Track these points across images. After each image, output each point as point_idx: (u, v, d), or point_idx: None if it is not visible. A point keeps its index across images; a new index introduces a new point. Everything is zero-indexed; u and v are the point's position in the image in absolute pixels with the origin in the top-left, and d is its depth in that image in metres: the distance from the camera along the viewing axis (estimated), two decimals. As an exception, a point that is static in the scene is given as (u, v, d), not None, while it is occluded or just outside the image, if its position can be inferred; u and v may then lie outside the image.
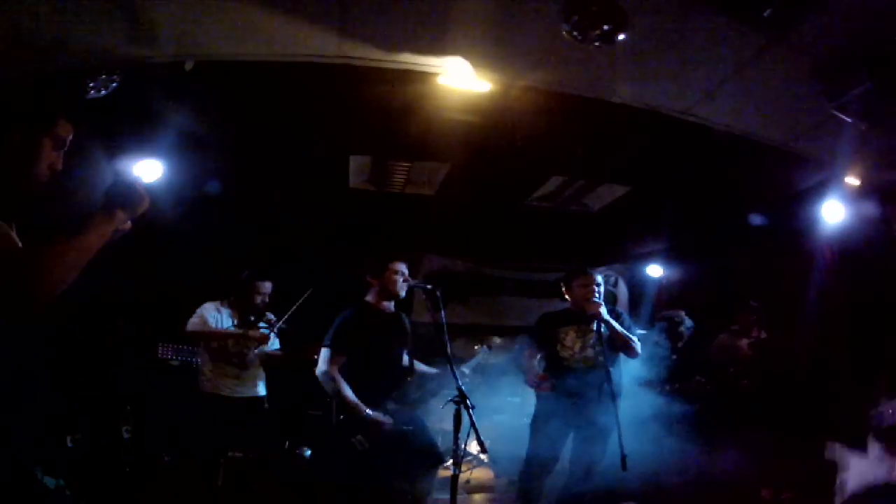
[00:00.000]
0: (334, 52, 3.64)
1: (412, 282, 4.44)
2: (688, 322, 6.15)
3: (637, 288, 8.23)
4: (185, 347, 5.72)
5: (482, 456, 5.56)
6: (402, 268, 4.48)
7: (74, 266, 1.84)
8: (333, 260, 4.96)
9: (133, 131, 4.44)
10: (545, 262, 8.23)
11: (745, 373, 5.50)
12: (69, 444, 4.84)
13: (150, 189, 2.24)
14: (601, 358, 4.41)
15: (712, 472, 4.70)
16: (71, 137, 2.11)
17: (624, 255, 8.28)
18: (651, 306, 7.91)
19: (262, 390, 4.99)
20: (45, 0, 3.09)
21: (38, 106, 2.16)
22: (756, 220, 6.08)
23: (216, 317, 4.82)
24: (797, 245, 5.76)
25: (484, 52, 3.57)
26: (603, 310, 4.48)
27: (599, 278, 4.77)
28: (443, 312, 3.92)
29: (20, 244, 1.85)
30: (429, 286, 4.08)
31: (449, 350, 3.83)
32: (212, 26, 3.47)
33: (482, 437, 3.69)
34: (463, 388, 3.65)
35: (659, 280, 7.89)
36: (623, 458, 3.85)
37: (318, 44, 3.60)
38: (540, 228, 7.19)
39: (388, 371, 4.29)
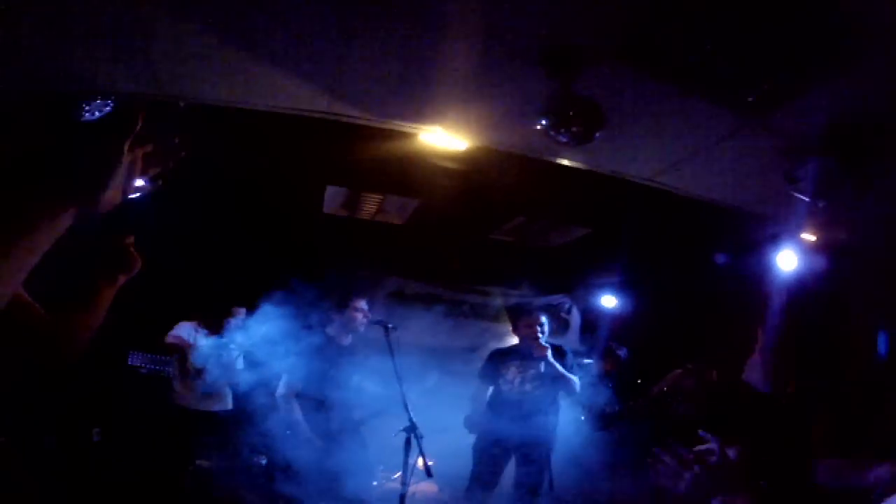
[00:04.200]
0: (324, 108, 4.04)
1: (371, 318, 4.93)
2: (623, 351, 6.79)
3: (590, 316, 8.74)
4: (156, 357, 6.07)
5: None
6: (364, 305, 4.97)
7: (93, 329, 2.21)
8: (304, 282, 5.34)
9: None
10: (502, 286, 8.66)
11: (690, 406, 6.03)
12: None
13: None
14: (538, 392, 5.01)
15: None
16: None
17: (580, 284, 8.74)
18: (604, 335, 8.44)
19: (228, 405, 5.41)
20: (29, 18, 3.25)
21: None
22: (712, 263, 6.58)
23: (193, 336, 5.22)
24: (750, 289, 6.28)
25: (462, 120, 4.01)
26: (548, 352, 5.03)
27: (544, 319, 5.32)
28: (393, 351, 4.44)
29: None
30: (388, 324, 4.58)
31: (400, 384, 4.32)
32: (209, 74, 3.81)
33: (428, 462, 4.20)
34: (412, 419, 4.17)
35: (611, 311, 8.40)
36: (550, 480, 4.46)
37: (308, 100, 4.00)
38: (501, 258, 7.69)
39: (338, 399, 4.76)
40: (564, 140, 3.21)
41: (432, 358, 7.83)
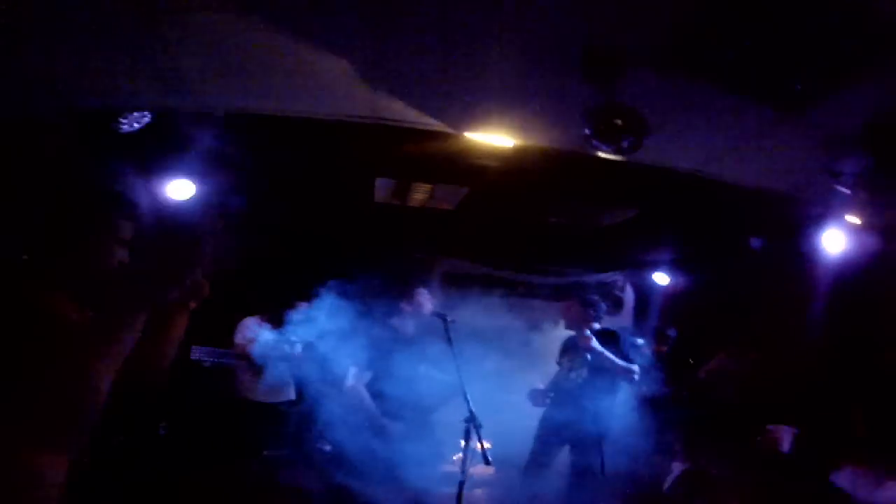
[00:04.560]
0: (368, 113, 4.16)
1: (433, 310, 5.06)
2: (673, 331, 6.82)
3: (644, 294, 8.75)
4: (217, 350, 6.35)
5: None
6: (426, 296, 5.13)
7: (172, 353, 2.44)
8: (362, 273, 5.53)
9: (162, 153, 4.98)
10: (557, 265, 8.73)
11: (736, 391, 6.08)
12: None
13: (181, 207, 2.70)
14: (588, 381, 5.13)
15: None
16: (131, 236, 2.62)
17: (633, 261, 8.74)
18: (655, 314, 8.45)
19: (292, 395, 5.67)
20: (64, 39, 3.41)
21: (105, 213, 2.63)
22: (756, 242, 6.55)
23: (256, 331, 5.48)
24: (796, 268, 6.24)
25: (505, 121, 4.09)
26: (593, 342, 5.07)
27: (589, 305, 5.38)
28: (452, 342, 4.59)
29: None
30: (447, 317, 4.71)
31: (460, 376, 4.48)
32: (250, 85, 3.95)
33: (486, 448, 4.37)
34: (472, 409, 4.33)
35: (665, 288, 8.39)
36: (602, 464, 4.59)
37: (352, 105, 4.12)
38: (553, 239, 7.76)
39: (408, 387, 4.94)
40: (608, 150, 3.26)
41: (489, 339, 7.94)
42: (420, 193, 6.58)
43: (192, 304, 2.50)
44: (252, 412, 5.48)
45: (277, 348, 5.42)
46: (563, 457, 5.50)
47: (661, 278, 8.43)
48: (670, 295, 8.32)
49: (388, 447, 4.63)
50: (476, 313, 8.37)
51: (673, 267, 8.33)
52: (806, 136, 3.93)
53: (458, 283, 8.26)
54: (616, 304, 8.65)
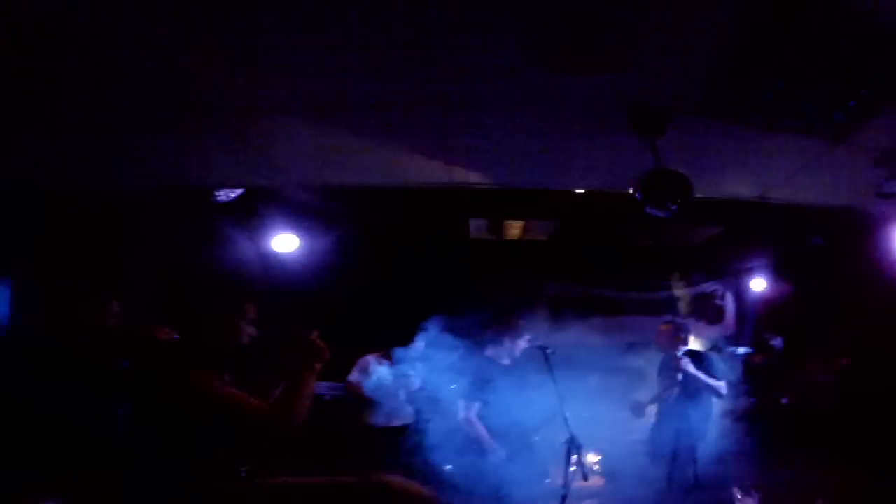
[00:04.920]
0: (444, 181, 4.76)
1: (531, 343, 5.58)
2: (778, 340, 7.00)
3: (744, 302, 8.83)
4: (337, 385, 7.10)
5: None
6: (523, 329, 5.66)
7: (305, 410, 2.96)
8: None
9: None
10: (656, 281, 8.91)
11: (825, 398, 6.23)
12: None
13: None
14: (681, 397, 5.51)
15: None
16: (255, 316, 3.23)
17: (730, 270, 8.83)
18: (751, 322, 8.55)
19: (409, 419, 6.35)
20: (164, 128, 4.02)
21: (236, 297, 3.17)
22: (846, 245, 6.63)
23: (375, 368, 6.21)
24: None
25: (568, 177, 4.59)
26: (685, 363, 5.45)
27: (678, 327, 5.75)
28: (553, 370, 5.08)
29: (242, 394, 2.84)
30: (546, 349, 5.23)
31: (561, 402, 4.97)
32: (336, 161, 4.57)
33: (585, 469, 4.84)
34: (573, 432, 4.82)
35: (763, 294, 8.42)
36: (695, 475, 4.95)
37: (429, 175, 4.71)
38: (648, 257, 8.09)
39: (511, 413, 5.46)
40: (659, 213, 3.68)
41: (594, 356, 8.30)
42: (514, 228, 7.12)
43: (318, 366, 2.96)
44: (375, 436, 6.18)
45: (393, 382, 6.10)
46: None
47: (758, 285, 8.45)
48: (768, 302, 8.39)
49: (497, 469, 5.16)
50: (581, 332, 8.74)
51: (769, 273, 8.36)
52: (857, 157, 4.17)
53: (561, 306, 8.67)
54: (717, 314, 8.80)
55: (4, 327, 5.00)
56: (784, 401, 6.45)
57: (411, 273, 7.33)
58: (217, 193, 5.15)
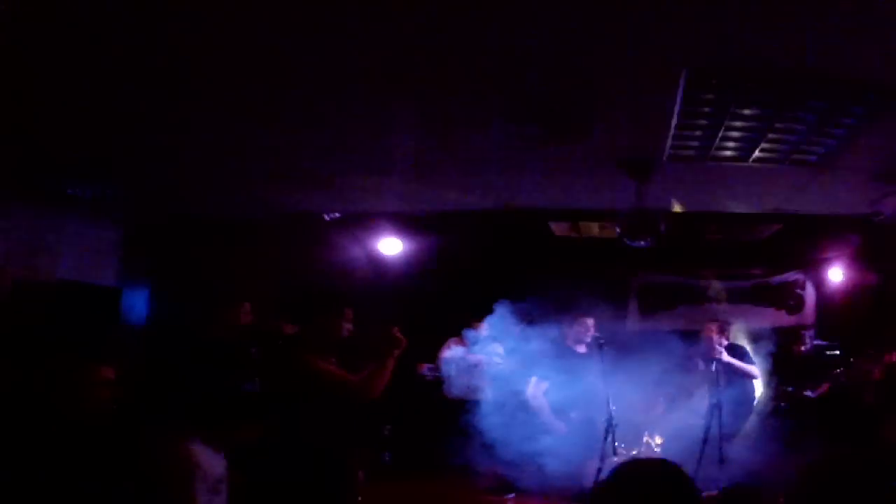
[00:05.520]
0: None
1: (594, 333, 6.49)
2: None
3: (823, 292, 9.10)
4: (435, 366, 8.17)
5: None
6: (589, 321, 6.54)
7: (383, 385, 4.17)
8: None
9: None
10: (737, 269, 9.33)
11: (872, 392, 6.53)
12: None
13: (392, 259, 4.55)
14: (719, 384, 6.17)
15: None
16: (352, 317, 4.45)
17: (811, 259, 9.05)
18: (823, 311, 8.85)
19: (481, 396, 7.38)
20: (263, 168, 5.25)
21: (338, 303, 4.48)
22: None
23: (456, 349, 7.34)
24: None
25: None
26: (723, 354, 6.18)
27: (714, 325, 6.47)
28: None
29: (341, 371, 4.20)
30: (601, 340, 6.16)
31: (606, 388, 5.85)
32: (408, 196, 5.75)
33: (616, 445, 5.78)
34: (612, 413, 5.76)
35: (838, 285, 8.65)
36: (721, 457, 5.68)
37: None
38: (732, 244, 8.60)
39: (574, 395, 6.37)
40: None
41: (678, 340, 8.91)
42: (595, 227, 7.89)
43: (397, 353, 4.22)
44: (456, 407, 7.10)
45: (469, 360, 7.19)
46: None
47: (836, 275, 8.64)
48: (843, 293, 8.61)
49: (557, 442, 6.12)
50: (666, 321, 9.37)
51: (846, 264, 8.51)
52: (852, 180, 4.76)
53: (651, 295, 9.39)
54: (797, 304, 9.12)
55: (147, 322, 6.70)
56: (809, 393, 6.92)
57: (501, 271, 8.26)
58: (325, 216, 6.44)
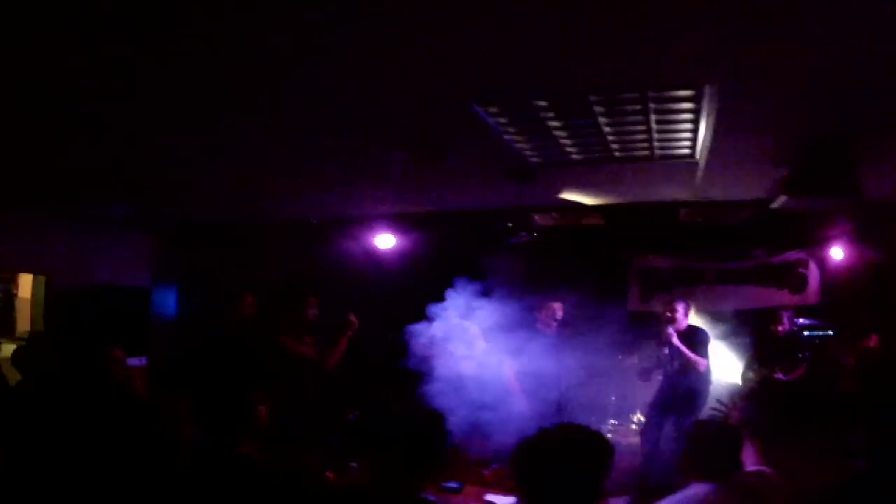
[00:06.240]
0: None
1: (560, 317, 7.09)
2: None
3: (826, 270, 9.02)
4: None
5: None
6: (555, 306, 7.09)
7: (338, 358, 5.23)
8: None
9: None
10: (738, 252, 9.40)
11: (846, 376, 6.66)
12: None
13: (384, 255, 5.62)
14: (673, 369, 6.56)
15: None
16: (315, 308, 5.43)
17: (815, 238, 8.94)
18: (838, 289, 8.79)
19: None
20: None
21: (303, 294, 5.45)
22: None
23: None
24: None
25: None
26: (673, 337, 6.57)
27: (674, 307, 6.78)
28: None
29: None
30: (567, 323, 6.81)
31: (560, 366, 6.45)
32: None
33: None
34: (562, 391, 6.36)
35: (841, 263, 8.50)
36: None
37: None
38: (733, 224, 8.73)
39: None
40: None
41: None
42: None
43: (350, 333, 5.58)
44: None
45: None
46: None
47: (837, 254, 8.50)
48: (842, 272, 8.57)
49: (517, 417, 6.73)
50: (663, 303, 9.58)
51: (847, 243, 8.39)
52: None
53: (650, 278, 9.70)
54: (800, 284, 9.07)
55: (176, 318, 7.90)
56: (780, 375, 7.13)
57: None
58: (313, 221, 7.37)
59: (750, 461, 3.65)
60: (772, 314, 7.84)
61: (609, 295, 8.57)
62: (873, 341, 6.87)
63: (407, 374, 6.42)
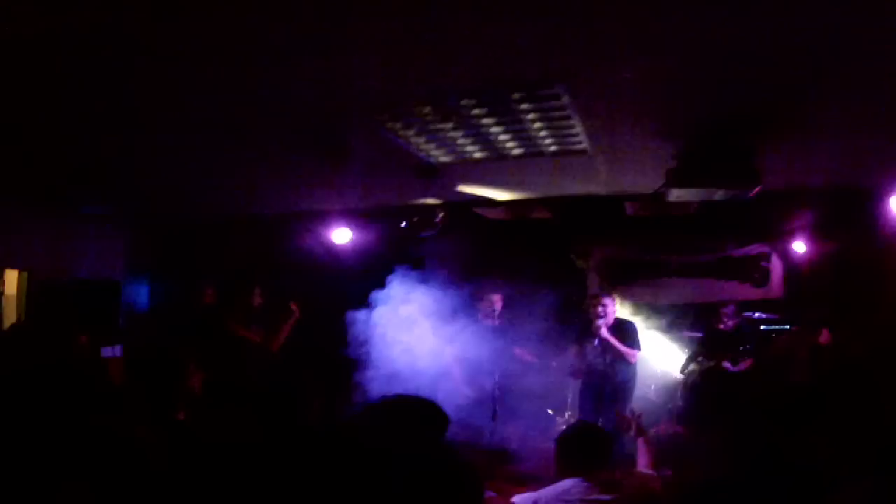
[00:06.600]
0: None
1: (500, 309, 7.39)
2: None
3: (789, 264, 8.99)
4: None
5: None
6: (494, 297, 7.36)
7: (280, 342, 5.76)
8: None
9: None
10: (699, 242, 9.35)
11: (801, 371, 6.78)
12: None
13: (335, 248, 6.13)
14: (602, 360, 6.80)
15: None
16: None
17: (777, 231, 8.88)
18: (800, 282, 8.80)
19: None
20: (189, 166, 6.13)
21: (249, 284, 5.90)
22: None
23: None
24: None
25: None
26: (602, 330, 6.75)
27: (604, 301, 6.98)
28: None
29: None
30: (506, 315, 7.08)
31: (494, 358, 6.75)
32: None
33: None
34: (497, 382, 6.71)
35: (801, 257, 8.54)
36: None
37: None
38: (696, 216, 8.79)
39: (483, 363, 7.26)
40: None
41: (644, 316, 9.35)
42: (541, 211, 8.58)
43: (292, 320, 6.26)
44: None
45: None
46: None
47: (799, 247, 8.49)
48: (804, 265, 8.60)
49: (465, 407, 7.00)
50: (626, 295, 9.75)
51: (808, 236, 8.40)
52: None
53: (611, 269, 9.76)
54: (763, 278, 9.05)
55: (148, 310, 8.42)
56: (727, 366, 7.29)
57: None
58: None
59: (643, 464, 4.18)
60: (713, 312, 8.05)
61: (554, 287, 8.57)
62: (824, 336, 6.99)
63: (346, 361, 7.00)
